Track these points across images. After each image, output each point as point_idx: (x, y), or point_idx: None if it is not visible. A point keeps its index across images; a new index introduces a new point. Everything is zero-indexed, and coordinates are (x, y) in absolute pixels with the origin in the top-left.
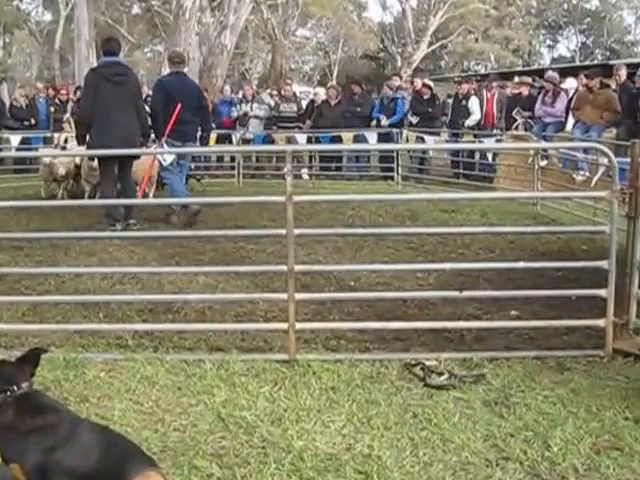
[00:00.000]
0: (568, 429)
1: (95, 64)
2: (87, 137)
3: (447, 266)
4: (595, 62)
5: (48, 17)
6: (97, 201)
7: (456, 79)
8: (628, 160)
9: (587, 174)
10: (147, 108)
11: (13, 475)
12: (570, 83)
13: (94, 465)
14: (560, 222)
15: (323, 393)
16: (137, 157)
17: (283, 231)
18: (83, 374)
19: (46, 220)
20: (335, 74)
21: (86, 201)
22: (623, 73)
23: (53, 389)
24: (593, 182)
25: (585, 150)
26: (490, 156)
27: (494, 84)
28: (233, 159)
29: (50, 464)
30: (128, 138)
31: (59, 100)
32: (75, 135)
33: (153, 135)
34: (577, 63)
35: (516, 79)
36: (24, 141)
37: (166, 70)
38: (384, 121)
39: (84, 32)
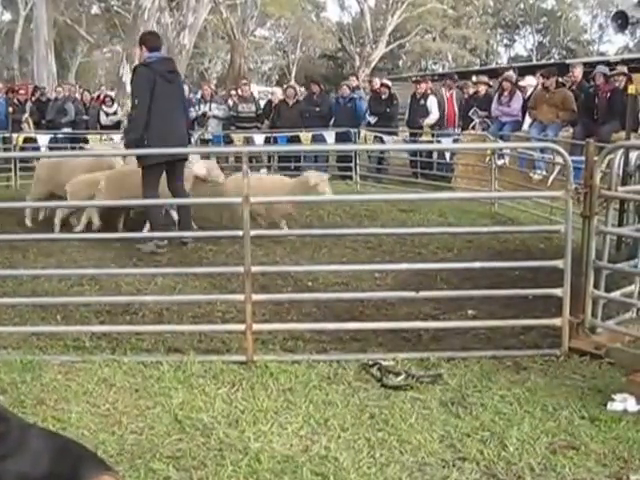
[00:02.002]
0: (524, 429)
1: (54, 64)
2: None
3: (404, 266)
4: (552, 61)
5: (7, 17)
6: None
7: (414, 78)
8: (583, 159)
9: (544, 173)
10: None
11: None
12: (529, 81)
13: (46, 472)
14: (517, 221)
15: (280, 394)
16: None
17: (240, 232)
18: (40, 376)
19: (4, 222)
20: (294, 74)
21: (44, 203)
22: (579, 72)
23: (10, 391)
24: (549, 181)
25: (542, 149)
26: (448, 156)
27: (455, 84)
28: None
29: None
30: (184, 143)
31: (18, 100)
32: (125, 141)
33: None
34: (534, 62)
35: (474, 78)
36: None
37: (124, 69)
38: (373, 121)
39: (43, 32)
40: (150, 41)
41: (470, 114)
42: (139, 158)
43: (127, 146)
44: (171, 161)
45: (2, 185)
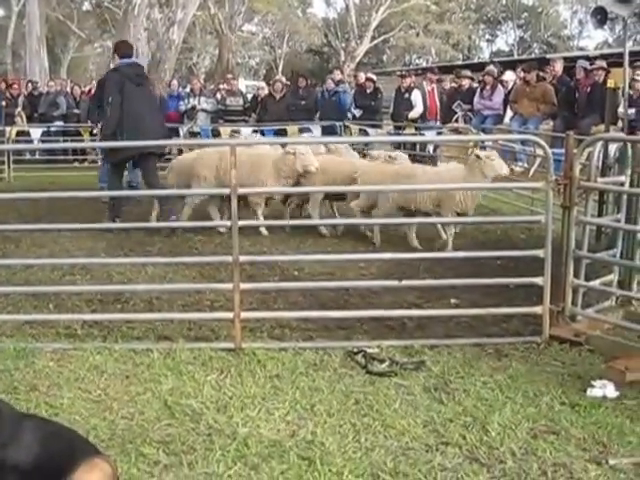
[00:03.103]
0: (506, 414)
1: (46, 59)
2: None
3: (388, 256)
4: (532, 56)
5: (0, 13)
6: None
7: (398, 73)
8: (563, 151)
9: (525, 165)
10: None
11: None
12: (509, 76)
13: (37, 460)
14: (499, 212)
15: (268, 381)
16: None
17: (228, 222)
18: (33, 363)
19: None
20: (281, 68)
21: (37, 194)
22: (559, 66)
23: (3, 378)
24: (531, 173)
25: (523, 142)
26: (431, 148)
27: (435, 77)
28: (181, 152)
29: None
30: (157, 138)
31: (10, 94)
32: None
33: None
34: (515, 57)
35: (463, 72)
36: None
37: (114, 64)
38: (358, 114)
39: (35, 28)
40: (121, 49)
41: (454, 107)
42: (110, 153)
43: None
44: (144, 155)
45: None
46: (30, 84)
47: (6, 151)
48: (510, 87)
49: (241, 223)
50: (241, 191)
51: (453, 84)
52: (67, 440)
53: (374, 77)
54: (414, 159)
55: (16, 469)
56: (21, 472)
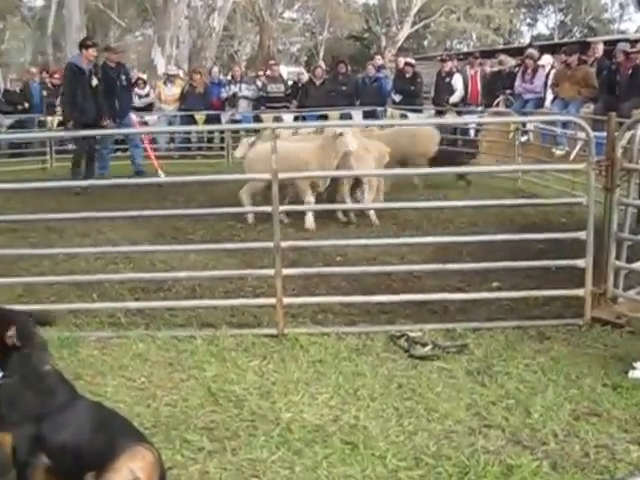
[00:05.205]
0: (548, 396)
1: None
2: None
3: (430, 240)
4: (573, 39)
5: (40, 3)
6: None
7: (439, 58)
8: (605, 134)
9: (566, 148)
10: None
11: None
12: (546, 59)
13: (84, 442)
14: (540, 195)
15: (310, 366)
16: None
17: (269, 208)
18: (77, 352)
19: (41, 203)
20: (322, 54)
21: (79, 182)
22: (599, 49)
23: None
24: (572, 156)
25: (564, 125)
26: (472, 132)
27: (477, 61)
28: (223, 139)
29: (41, 437)
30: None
31: (52, 84)
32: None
33: None
34: (556, 40)
35: (501, 57)
36: (18, 124)
37: (156, 52)
38: (398, 99)
39: (75, 17)
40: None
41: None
42: None
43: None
44: None
45: (38, 167)
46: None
47: (48, 140)
48: (547, 71)
49: (282, 208)
50: (282, 176)
51: (494, 68)
52: (114, 427)
53: (413, 62)
54: (455, 143)
55: (61, 446)
56: (64, 450)
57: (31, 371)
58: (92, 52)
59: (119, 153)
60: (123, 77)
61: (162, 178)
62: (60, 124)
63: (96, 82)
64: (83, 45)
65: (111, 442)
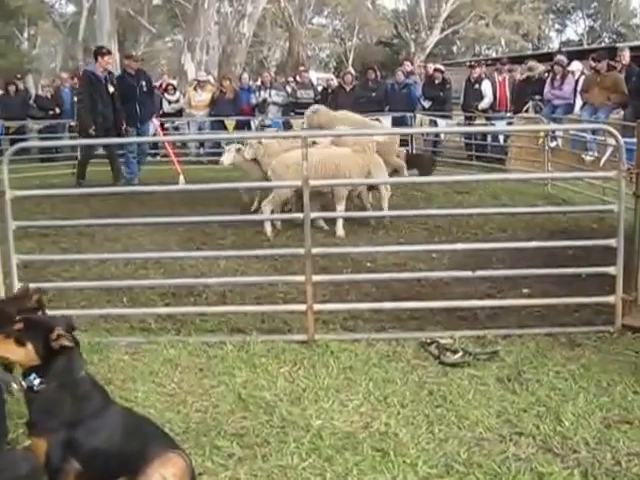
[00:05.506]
0: (579, 404)
1: (118, 54)
2: None
3: (460, 246)
4: (602, 45)
5: (71, 9)
6: (122, 189)
7: (468, 64)
8: (635, 140)
9: (596, 154)
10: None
11: (34, 450)
12: (575, 65)
13: (116, 448)
14: (570, 202)
15: (341, 372)
16: None
17: (300, 215)
18: (107, 357)
19: (71, 208)
20: (351, 60)
21: (109, 189)
22: (627, 55)
23: None
24: (602, 162)
25: (593, 131)
26: (502, 138)
27: (506, 67)
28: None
29: (74, 442)
30: None
31: None
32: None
33: None
34: (585, 46)
35: (528, 63)
36: (48, 129)
37: (186, 58)
38: (427, 105)
39: (106, 23)
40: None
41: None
42: None
43: None
44: None
45: (67, 172)
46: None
47: (79, 145)
48: (577, 77)
49: (313, 215)
50: (313, 183)
51: (524, 74)
52: (146, 433)
53: (442, 68)
54: (485, 149)
55: (94, 451)
56: (97, 455)
57: (68, 377)
58: (107, 60)
59: (149, 158)
60: (143, 83)
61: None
62: (80, 132)
63: (112, 89)
64: (98, 53)
65: (143, 448)
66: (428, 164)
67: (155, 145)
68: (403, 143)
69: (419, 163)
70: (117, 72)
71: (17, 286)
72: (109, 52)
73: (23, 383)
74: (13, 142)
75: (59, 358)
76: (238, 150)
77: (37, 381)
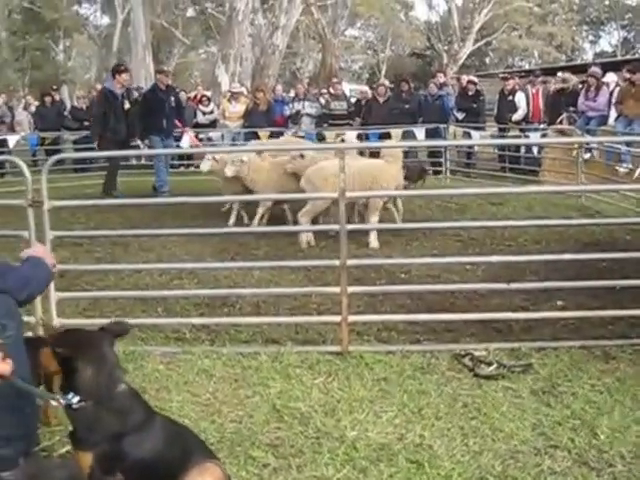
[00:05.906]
0: (615, 417)
1: (152, 65)
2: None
3: (494, 258)
4: (636, 56)
5: (106, 21)
6: (156, 200)
7: (501, 75)
8: None
9: (630, 166)
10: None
11: (79, 463)
12: (610, 77)
13: (159, 457)
14: (604, 213)
15: (375, 384)
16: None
17: (336, 226)
18: (142, 367)
19: (105, 218)
20: (384, 72)
21: (144, 200)
22: None
23: None
24: (636, 174)
25: (628, 143)
26: (535, 150)
27: (539, 79)
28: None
29: (119, 455)
30: None
31: None
32: None
33: None
34: (619, 57)
35: (560, 74)
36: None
37: (220, 70)
38: (461, 117)
39: (140, 35)
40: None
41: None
42: None
43: None
44: None
45: (101, 183)
46: (136, 91)
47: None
48: (612, 88)
49: (349, 227)
50: (349, 195)
51: (552, 86)
52: (185, 442)
53: (476, 80)
54: (518, 161)
55: (138, 462)
56: (141, 466)
57: (105, 394)
58: (124, 77)
59: (182, 169)
60: (172, 99)
61: (226, 197)
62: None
63: (128, 105)
64: (116, 71)
65: (182, 457)
66: (417, 175)
67: (189, 156)
68: (437, 155)
69: (408, 174)
70: (150, 83)
71: (53, 294)
72: (126, 69)
73: (62, 401)
74: (49, 153)
75: (96, 373)
76: (242, 162)
77: (75, 399)
